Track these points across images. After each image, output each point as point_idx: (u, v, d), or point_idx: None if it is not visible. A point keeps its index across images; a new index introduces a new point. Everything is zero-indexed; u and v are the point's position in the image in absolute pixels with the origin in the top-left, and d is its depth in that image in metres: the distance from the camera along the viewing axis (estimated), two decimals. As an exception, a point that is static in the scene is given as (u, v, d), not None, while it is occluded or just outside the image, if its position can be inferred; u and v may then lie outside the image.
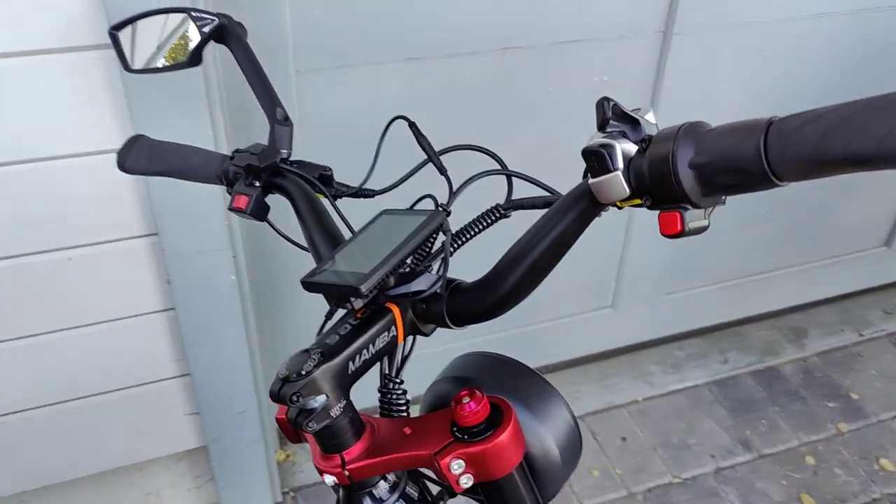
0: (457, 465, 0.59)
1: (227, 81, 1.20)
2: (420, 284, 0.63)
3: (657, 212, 0.53)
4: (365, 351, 0.61)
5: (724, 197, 0.52)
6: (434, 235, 0.66)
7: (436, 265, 0.68)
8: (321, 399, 0.58)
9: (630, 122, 0.55)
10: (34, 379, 1.34)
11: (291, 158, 0.87)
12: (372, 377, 0.69)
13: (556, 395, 0.75)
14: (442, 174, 0.80)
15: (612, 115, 0.53)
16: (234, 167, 0.82)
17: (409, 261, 0.65)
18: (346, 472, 0.61)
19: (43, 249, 1.19)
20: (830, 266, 2.29)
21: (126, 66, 0.95)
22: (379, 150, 0.86)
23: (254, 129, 1.37)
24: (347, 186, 0.86)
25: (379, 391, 0.71)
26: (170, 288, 1.29)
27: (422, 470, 0.69)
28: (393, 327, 0.64)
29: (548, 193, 0.76)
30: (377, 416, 0.69)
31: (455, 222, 0.71)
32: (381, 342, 0.63)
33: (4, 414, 1.36)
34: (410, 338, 0.72)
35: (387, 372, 0.70)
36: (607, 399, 2.05)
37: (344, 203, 0.83)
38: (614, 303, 2.09)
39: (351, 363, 0.60)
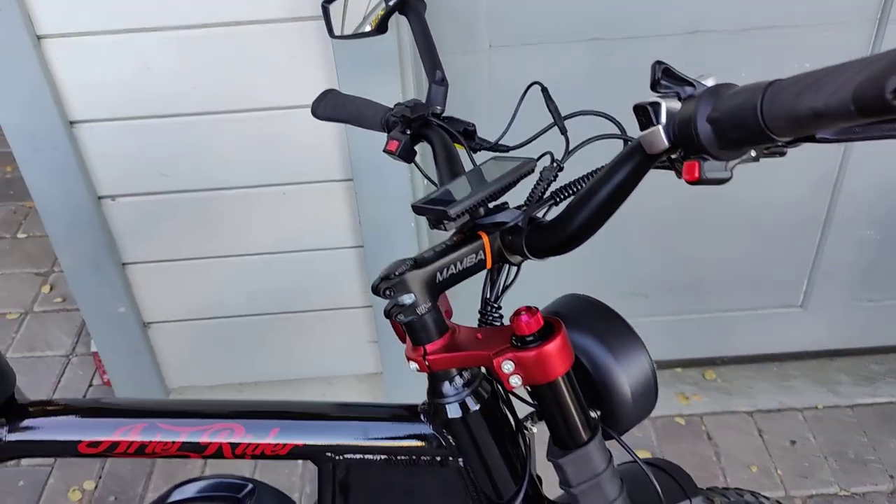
0: (507, 366, 0.71)
1: (415, 51, 1.37)
2: (505, 217, 0.75)
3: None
4: (452, 266, 0.74)
5: (750, 153, 0.57)
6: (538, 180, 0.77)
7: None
8: (409, 297, 0.73)
9: (683, 84, 0.62)
10: (258, 290, 1.64)
11: (444, 115, 1.01)
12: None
13: (637, 343, 0.82)
14: (562, 134, 0.90)
15: (661, 77, 0.61)
16: (392, 117, 0.99)
17: (498, 197, 0.76)
18: (427, 362, 0.75)
19: (263, 183, 1.46)
20: None
21: (330, 33, 1.15)
22: (517, 111, 0.97)
23: (405, 86, 1.54)
24: (486, 141, 0.99)
25: (479, 312, 0.84)
26: (360, 227, 1.51)
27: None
28: (481, 252, 0.76)
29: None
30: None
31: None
32: (468, 262, 0.75)
33: (236, 315, 1.67)
34: (513, 270, 0.84)
35: (487, 296, 0.82)
36: (782, 400, 1.98)
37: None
38: (804, 303, 2.00)
39: (439, 274, 0.74)
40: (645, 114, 0.61)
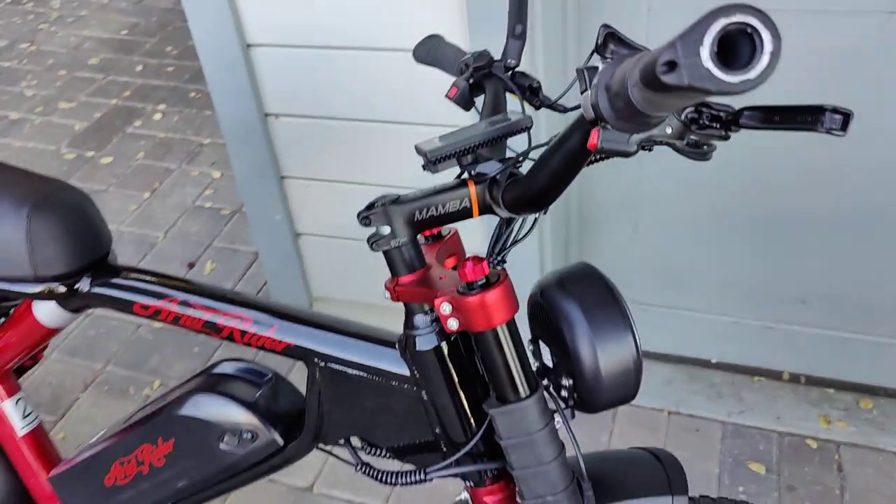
0: (445, 307, 0.73)
1: (545, 10, 1.36)
2: (487, 168, 0.76)
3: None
4: (434, 208, 0.78)
5: (662, 131, 0.53)
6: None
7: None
8: (386, 229, 0.78)
9: (633, 50, 0.59)
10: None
11: (518, 70, 1.02)
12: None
13: (624, 327, 0.80)
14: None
15: (604, 41, 0.58)
16: (463, 64, 1.02)
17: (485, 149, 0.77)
18: (396, 293, 0.80)
19: (402, 121, 1.55)
20: None
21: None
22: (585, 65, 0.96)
23: (566, 49, 1.51)
24: (548, 99, 0.98)
25: (484, 263, 0.86)
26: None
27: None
28: (467, 199, 0.78)
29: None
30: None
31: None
32: (451, 206, 0.78)
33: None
34: (523, 229, 0.86)
35: (492, 248, 0.85)
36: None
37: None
38: None
39: (418, 212, 0.78)
40: (580, 78, 0.59)
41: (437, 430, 0.86)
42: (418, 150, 0.77)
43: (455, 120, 1.51)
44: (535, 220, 0.87)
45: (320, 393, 0.90)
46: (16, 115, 3.31)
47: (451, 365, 0.82)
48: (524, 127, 0.76)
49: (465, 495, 0.91)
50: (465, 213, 0.79)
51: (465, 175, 0.78)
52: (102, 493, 1.09)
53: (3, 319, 1.14)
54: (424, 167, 0.78)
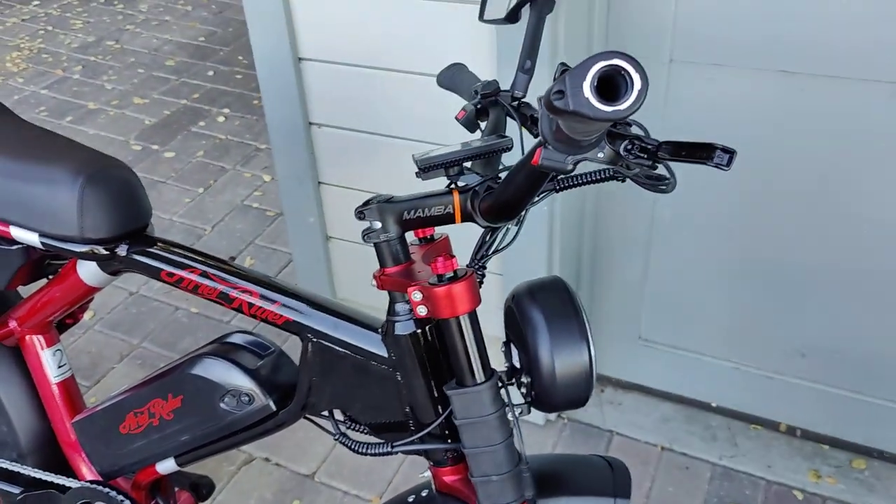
0: (416, 295, 0.84)
1: (568, 44, 1.47)
2: (467, 179, 0.87)
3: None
4: (420, 210, 0.89)
5: (596, 153, 0.63)
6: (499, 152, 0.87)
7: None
8: (377, 224, 0.89)
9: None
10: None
11: (524, 101, 1.13)
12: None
13: (580, 338, 0.90)
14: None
15: (560, 76, 0.69)
16: (473, 90, 1.13)
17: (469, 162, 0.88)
18: (381, 282, 0.91)
19: (430, 141, 1.67)
20: None
21: (480, 16, 1.32)
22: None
23: None
24: (547, 129, 1.09)
25: (465, 266, 0.97)
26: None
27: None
28: (451, 206, 0.89)
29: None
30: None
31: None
32: (436, 210, 0.89)
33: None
34: (506, 239, 0.96)
35: (475, 253, 0.95)
36: (933, 520, 1.72)
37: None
38: None
39: (406, 212, 0.89)
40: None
41: (408, 410, 0.96)
42: (413, 159, 0.89)
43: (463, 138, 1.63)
44: (517, 232, 0.97)
45: (310, 366, 1.01)
46: (94, 105, 3.56)
47: (423, 351, 0.92)
48: (503, 148, 0.87)
49: (428, 474, 1.01)
50: (448, 219, 0.90)
51: (452, 185, 0.89)
52: (117, 439, 1.22)
53: (51, 278, 1.29)
54: (417, 174, 0.89)
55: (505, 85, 1.09)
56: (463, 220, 0.90)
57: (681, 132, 1.67)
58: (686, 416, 1.99)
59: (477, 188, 0.86)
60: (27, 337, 1.33)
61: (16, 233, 1.13)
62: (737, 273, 1.77)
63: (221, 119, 3.39)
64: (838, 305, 1.70)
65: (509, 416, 0.91)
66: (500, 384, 0.90)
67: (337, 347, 0.98)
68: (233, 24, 4.24)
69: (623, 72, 0.50)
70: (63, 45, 4.15)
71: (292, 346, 1.04)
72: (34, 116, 3.47)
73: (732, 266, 1.76)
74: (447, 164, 0.86)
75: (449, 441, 0.96)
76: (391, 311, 0.93)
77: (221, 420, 1.10)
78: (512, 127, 1.01)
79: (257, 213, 2.81)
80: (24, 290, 1.38)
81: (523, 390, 0.93)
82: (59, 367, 1.35)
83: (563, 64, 0.70)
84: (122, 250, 1.11)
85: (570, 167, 0.65)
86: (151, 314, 2.38)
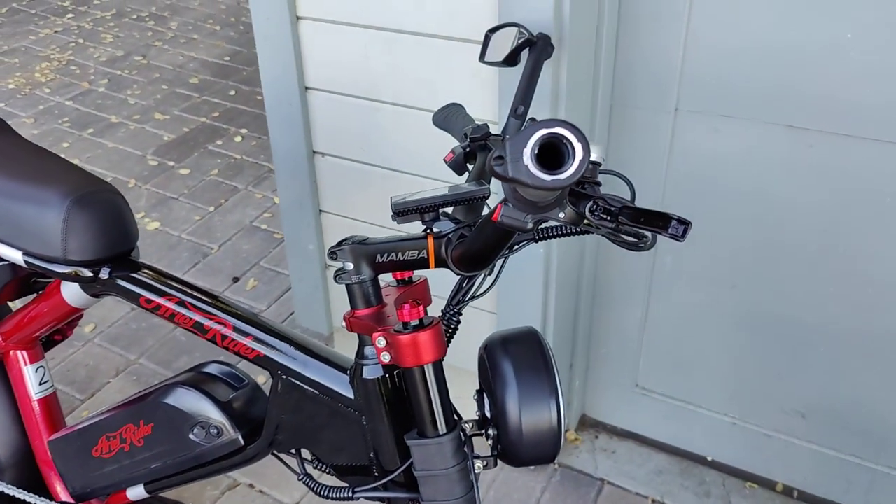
0: (380, 341, 0.82)
1: (570, 92, 1.46)
2: (441, 226, 0.86)
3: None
4: (393, 254, 0.88)
5: (539, 210, 0.61)
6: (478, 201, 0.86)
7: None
8: (349, 265, 0.88)
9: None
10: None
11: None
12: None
13: (549, 394, 0.88)
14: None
15: None
16: (463, 133, 1.12)
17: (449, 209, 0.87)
18: (350, 324, 0.90)
19: (430, 176, 1.67)
20: None
21: (481, 57, 1.32)
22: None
23: (590, 126, 1.60)
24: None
25: (441, 311, 0.96)
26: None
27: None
28: (424, 251, 0.88)
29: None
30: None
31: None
32: (410, 255, 0.87)
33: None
34: (483, 286, 0.94)
35: (450, 300, 0.94)
36: None
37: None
38: None
39: (379, 255, 0.88)
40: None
41: (372, 455, 0.94)
42: (391, 202, 0.88)
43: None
44: (494, 281, 0.96)
45: (279, 403, 1.00)
46: (115, 118, 3.61)
47: (390, 397, 0.90)
48: (481, 196, 0.86)
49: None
50: (422, 264, 0.89)
51: (427, 230, 0.88)
52: (89, 462, 1.21)
53: (36, 295, 1.29)
54: (392, 217, 0.88)
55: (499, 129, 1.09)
56: (437, 266, 0.89)
57: (685, 182, 1.65)
58: (681, 469, 1.94)
59: (450, 235, 0.85)
60: (11, 352, 1.33)
61: (1, 250, 1.14)
62: (738, 326, 1.73)
63: (238, 139, 3.42)
64: (841, 366, 1.65)
65: (475, 468, 0.89)
66: (462, 436, 0.87)
67: (305, 386, 0.97)
68: (259, 45, 4.30)
69: (565, 140, 0.49)
70: (92, 58, 4.23)
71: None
72: (56, 127, 3.53)
73: (733, 319, 1.73)
74: (422, 210, 0.85)
75: (413, 491, 0.94)
76: (360, 354, 0.92)
77: (190, 451, 1.09)
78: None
79: (265, 234, 2.81)
80: (15, 306, 1.38)
81: (490, 442, 0.91)
82: (41, 383, 1.35)
83: (532, 119, 0.69)
84: (104, 274, 1.11)
85: (530, 226, 0.64)
86: (151, 331, 2.38)
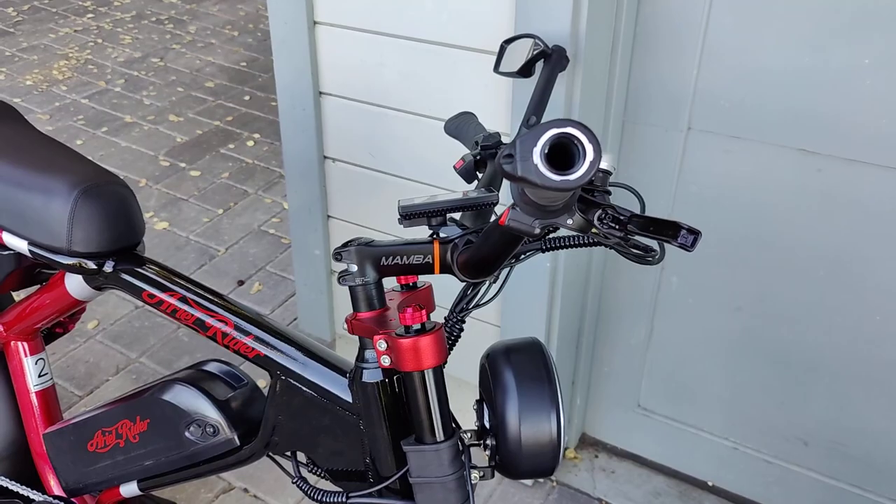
0: (381, 344, 0.81)
1: (583, 106, 1.46)
2: (447, 231, 0.85)
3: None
4: (398, 257, 0.87)
5: (548, 215, 0.60)
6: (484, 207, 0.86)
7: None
8: (354, 267, 0.87)
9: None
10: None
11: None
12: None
13: (550, 406, 0.87)
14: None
15: None
16: (474, 141, 1.12)
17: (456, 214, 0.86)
18: (352, 326, 0.89)
19: (440, 186, 1.67)
20: None
21: (495, 67, 1.32)
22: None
23: (601, 142, 1.59)
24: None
25: (444, 318, 0.95)
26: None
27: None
28: (430, 256, 0.87)
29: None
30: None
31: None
32: (415, 259, 0.87)
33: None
34: (487, 295, 0.94)
35: (454, 307, 0.93)
36: None
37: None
38: None
39: (384, 258, 0.87)
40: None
41: (368, 461, 0.93)
42: (398, 205, 0.87)
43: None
44: (499, 290, 0.95)
45: (277, 404, 0.99)
46: (130, 118, 3.63)
47: (389, 401, 0.89)
48: (489, 202, 0.85)
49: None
50: (427, 268, 0.88)
51: (433, 235, 0.87)
52: (83, 457, 1.20)
53: (40, 286, 1.29)
54: (399, 220, 0.88)
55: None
56: (442, 272, 0.88)
57: (694, 201, 1.64)
58: (679, 492, 1.92)
59: (457, 241, 0.84)
60: (12, 343, 1.32)
61: (7, 238, 1.14)
62: (742, 350, 1.71)
63: (251, 143, 3.43)
64: (845, 395, 1.63)
65: (472, 478, 0.88)
66: (460, 445, 0.86)
67: (304, 388, 0.96)
68: (275, 52, 4.32)
69: (576, 141, 0.48)
70: (110, 58, 4.26)
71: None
72: (71, 124, 3.55)
73: (738, 342, 1.71)
74: (429, 214, 0.84)
75: (408, 499, 0.92)
76: (360, 357, 0.91)
77: (185, 449, 1.08)
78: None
79: (272, 239, 2.81)
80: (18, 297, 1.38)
81: (488, 453, 0.90)
82: (41, 376, 1.34)
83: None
84: (108, 267, 1.11)
85: (537, 231, 0.63)
86: (153, 330, 2.38)
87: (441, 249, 0.86)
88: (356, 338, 0.90)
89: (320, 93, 1.74)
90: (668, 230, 0.60)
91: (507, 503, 1.86)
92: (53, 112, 3.66)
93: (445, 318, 0.94)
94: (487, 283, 0.92)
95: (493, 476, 0.90)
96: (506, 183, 0.97)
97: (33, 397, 1.33)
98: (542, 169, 0.48)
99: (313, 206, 1.88)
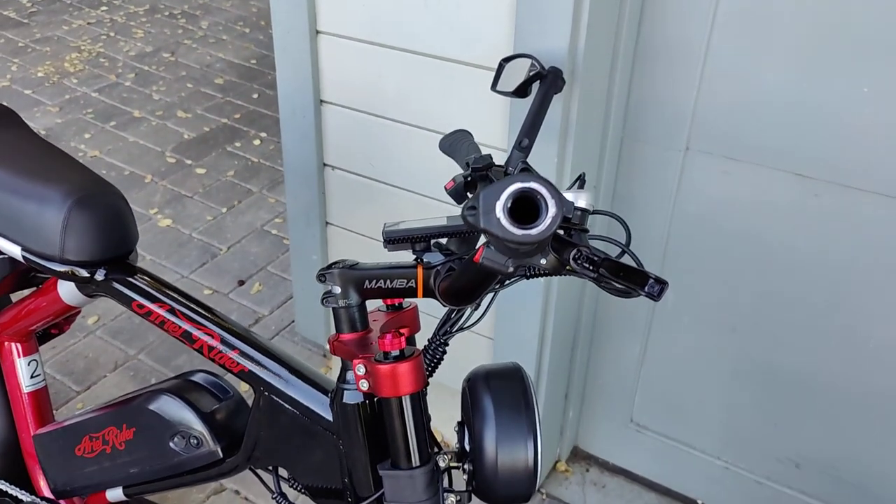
0: (359, 369, 0.82)
1: (580, 125, 1.45)
2: (430, 258, 0.86)
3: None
4: (381, 280, 0.87)
5: (520, 256, 0.61)
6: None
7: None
8: (337, 289, 0.88)
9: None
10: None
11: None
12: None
13: (527, 434, 0.87)
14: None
15: None
16: (465, 162, 1.12)
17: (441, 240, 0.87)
18: (333, 347, 0.89)
19: (434, 197, 1.67)
20: None
21: (492, 85, 1.32)
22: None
23: (598, 160, 1.59)
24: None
25: (427, 340, 0.95)
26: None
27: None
28: (413, 280, 0.87)
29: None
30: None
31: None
32: (398, 283, 0.87)
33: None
34: (472, 318, 0.94)
35: (437, 330, 0.94)
36: None
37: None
38: None
39: (367, 281, 0.88)
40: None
41: (346, 480, 0.94)
42: (383, 229, 0.88)
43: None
44: (481, 316, 0.95)
45: (260, 419, 1.00)
46: (139, 113, 3.65)
47: (368, 422, 0.90)
48: (471, 230, 0.86)
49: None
50: (410, 292, 0.88)
51: (417, 260, 0.88)
52: (71, 460, 1.22)
53: (35, 289, 1.30)
54: (384, 245, 0.88)
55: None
56: (424, 296, 0.88)
57: (691, 221, 1.64)
58: (669, 509, 1.92)
59: (439, 267, 0.85)
60: (6, 343, 1.34)
61: (0, 243, 1.15)
62: (736, 370, 1.71)
63: (257, 142, 3.44)
64: (838, 420, 1.63)
65: (447, 502, 0.89)
66: (437, 469, 0.87)
67: (286, 404, 0.97)
68: (286, 50, 4.33)
69: (539, 196, 0.49)
70: (121, 51, 4.29)
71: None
72: (80, 117, 3.58)
73: (732, 362, 1.71)
74: (413, 239, 0.85)
75: None
76: (341, 378, 0.92)
77: (169, 459, 1.09)
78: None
79: (274, 239, 2.83)
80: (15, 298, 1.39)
81: (465, 477, 0.90)
82: (33, 377, 1.35)
83: (524, 163, 0.69)
84: (100, 275, 1.12)
85: (511, 269, 0.63)
86: (153, 327, 2.38)
87: (424, 275, 0.87)
88: (338, 356, 0.91)
89: (321, 101, 1.74)
90: (636, 278, 0.60)
91: (495, 515, 1.87)
92: (63, 105, 3.69)
93: (429, 339, 0.95)
94: (470, 307, 0.92)
95: (469, 500, 0.91)
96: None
97: (25, 398, 1.34)
98: (504, 223, 0.48)
99: (312, 213, 1.88)
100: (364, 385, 0.83)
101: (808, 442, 1.68)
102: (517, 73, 1.28)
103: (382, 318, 0.95)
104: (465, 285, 0.78)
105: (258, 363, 0.99)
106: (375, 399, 0.90)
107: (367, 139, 1.72)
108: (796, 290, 1.56)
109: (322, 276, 0.88)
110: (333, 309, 0.90)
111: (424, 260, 0.86)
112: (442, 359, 0.94)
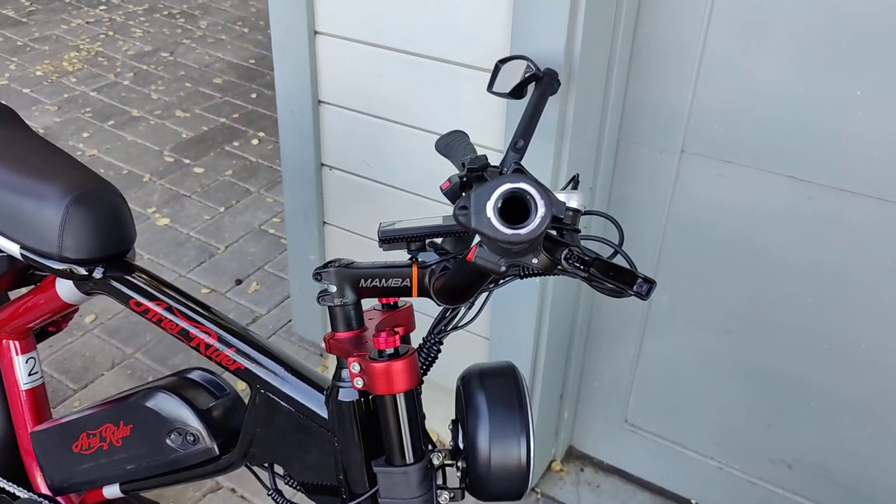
0: (354, 367, 0.83)
1: (576, 126, 1.46)
2: (425, 257, 0.87)
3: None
4: (376, 279, 0.88)
5: (513, 256, 0.62)
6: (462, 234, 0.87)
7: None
8: (333, 288, 0.89)
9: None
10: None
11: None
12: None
13: (520, 432, 0.88)
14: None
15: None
16: (461, 163, 1.13)
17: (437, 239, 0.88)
18: (329, 345, 0.90)
19: (431, 198, 1.68)
20: None
21: (488, 86, 1.33)
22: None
23: (594, 162, 1.60)
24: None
25: (422, 339, 0.96)
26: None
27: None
28: (408, 279, 0.88)
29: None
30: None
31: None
32: (393, 282, 0.88)
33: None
34: (466, 317, 0.95)
35: (432, 328, 0.94)
36: None
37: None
38: None
39: (363, 280, 0.89)
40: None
41: (341, 477, 0.95)
42: (378, 228, 0.89)
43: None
44: (476, 314, 0.96)
45: (256, 416, 1.01)
46: (137, 112, 3.66)
47: (363, 420, 0.91)
48: (465, 230, 0.86)
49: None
50: (405, 291, 0.89)
51: (412, 259, 0.89)
52: (68, 457, 1.22)
53: (33, 287, 1.31)
54: (379, 244, 0.89)
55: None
56: (419, 295, 0.89)
57: (686, 222, 1.65)
58: (663, 509, 1.93)
59: (434, 267, 0.86)
60: (3, 341, 1.34)
61: (-1, 241, 1.16)
62: (729, 372, 1.72)
63: (255, 142, 3.45)
64: (830, 421, 1.64)
65: (441, 499, 0.90)
66: (430, 467, 0.88)
67: (282, 402, 0.98)
68: (284, 50, 4.34)
69: (529, 196, 0.50)
70: (120, 51, 4.29)
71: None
72: (79, 116, 3.58)
73: (726, 364, 1.72)
74: (408, 239, 0.86)
75: None
76: (337, 376, 0.93)
77: (165, 455, 1.10)
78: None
79: (272, 239, 2.83)
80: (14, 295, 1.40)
81: (459, 474, 0.91)
82: (31, 374, 1.36)
83: (518, 164, 0.70)
84: (97, 273, 1.13)
85: (503, 269, 0.64)
86: (150, 326, 2.39)
87: (419, 274, 0.88)
88: (334, 354, 0.91)
89: (319, 101, 1.75)
90: (625, 278, 0.61)
91: (490, 514, 1.87)
92: (62, 104, 3.69)
93: (423, 338, 0.96)
94: (465, 307, 0.93)
95: (463, 497, 0.92)
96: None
97: (23, 395, 1.35)
98: (495, 222, 0.49)
99: (309, 212, 1.89)
100: (359, 383, 0.84)
101: (801, 443, 1.69)
102: (513, 75, 1.29)
103: (378, 317, 0.96)
104: (459, 284, 0.79)
105: (255, 361, 1.00)
106: (370, 397, 0.91)
107: (365, 140, 1.73)
108: (790, 292, 1.57)
109: (318, 275, 0.89)
110: (329, 307, 0.90)
111: (419, 259, 0.87)
112: (436, 357, 0.95)
